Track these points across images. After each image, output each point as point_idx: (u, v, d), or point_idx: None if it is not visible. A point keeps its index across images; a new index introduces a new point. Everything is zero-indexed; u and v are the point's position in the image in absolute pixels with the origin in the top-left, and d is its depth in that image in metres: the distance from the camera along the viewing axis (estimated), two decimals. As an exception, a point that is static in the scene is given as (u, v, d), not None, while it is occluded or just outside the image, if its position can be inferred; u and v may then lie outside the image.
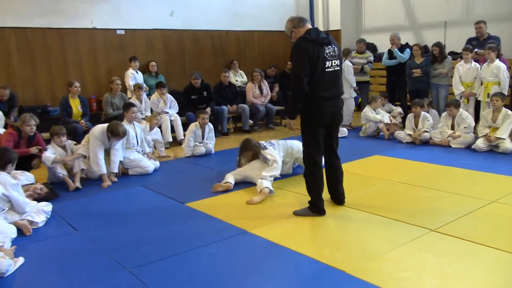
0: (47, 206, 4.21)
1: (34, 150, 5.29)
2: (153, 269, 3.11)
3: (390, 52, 8.49)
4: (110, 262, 3.25)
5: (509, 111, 6.17)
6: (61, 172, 5.21)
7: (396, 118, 7.94)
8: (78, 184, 5.19)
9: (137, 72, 8.33)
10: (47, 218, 4.12)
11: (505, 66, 6.72)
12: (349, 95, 8.27)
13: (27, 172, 4.72)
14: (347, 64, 8.17)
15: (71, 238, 3.76)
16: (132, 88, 7.92)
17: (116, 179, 5.45)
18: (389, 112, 8.02)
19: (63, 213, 4.34)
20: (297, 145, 5.17)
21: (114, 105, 7.40)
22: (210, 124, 6.90)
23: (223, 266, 3.13)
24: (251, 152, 5.16)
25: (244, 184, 5.03)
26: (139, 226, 3.96)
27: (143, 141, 6.06)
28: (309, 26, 3.90)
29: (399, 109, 8.16)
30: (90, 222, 4.13)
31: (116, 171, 5.47)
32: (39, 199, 4.41)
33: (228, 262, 3.19)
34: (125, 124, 5.67)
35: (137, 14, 8.73)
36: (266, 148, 5.06)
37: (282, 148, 5.22)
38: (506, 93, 6.50)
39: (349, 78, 8.22)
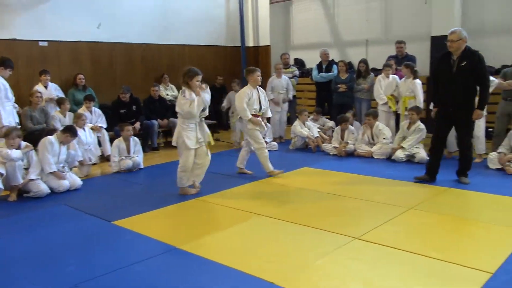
0: None
1: None
2: (76, 291, 2.97)
3: (319, 66, 8.84)
4: (31, 287, 3.06)
5: (421, 125, 6.68)
6: None
7: (328, 132, 8.21)
8: None
9: (46, 87, 7.75)
10: None
11: (420, 82, 7.24)
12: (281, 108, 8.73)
13: None
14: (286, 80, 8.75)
15: (-15, 263, 3.50)
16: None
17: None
18: (323, 126, 8.30)
19: (-24, 236, 4.03)
20: None
21: (34, 119, 6.96)
22: (135, 137, 6.76)
23: (150, 285, 3.06)
24: None
25: (170, 200, 4.99)
26: (62, 247, 3.76)
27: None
28: None
29: (331, 123, 8.42)
30: (7, 244, 3.87)
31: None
32: None
33: (155, 281, 3.11)
34: None
35: (62, 26, 8.38)
36: None
37: None
38: (422, 107, 7.00)
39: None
